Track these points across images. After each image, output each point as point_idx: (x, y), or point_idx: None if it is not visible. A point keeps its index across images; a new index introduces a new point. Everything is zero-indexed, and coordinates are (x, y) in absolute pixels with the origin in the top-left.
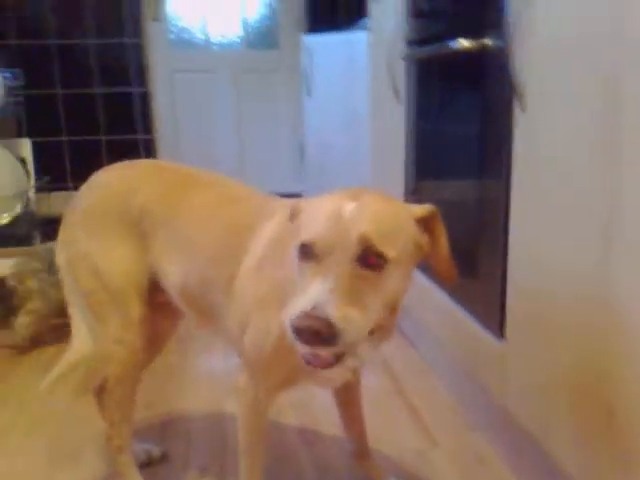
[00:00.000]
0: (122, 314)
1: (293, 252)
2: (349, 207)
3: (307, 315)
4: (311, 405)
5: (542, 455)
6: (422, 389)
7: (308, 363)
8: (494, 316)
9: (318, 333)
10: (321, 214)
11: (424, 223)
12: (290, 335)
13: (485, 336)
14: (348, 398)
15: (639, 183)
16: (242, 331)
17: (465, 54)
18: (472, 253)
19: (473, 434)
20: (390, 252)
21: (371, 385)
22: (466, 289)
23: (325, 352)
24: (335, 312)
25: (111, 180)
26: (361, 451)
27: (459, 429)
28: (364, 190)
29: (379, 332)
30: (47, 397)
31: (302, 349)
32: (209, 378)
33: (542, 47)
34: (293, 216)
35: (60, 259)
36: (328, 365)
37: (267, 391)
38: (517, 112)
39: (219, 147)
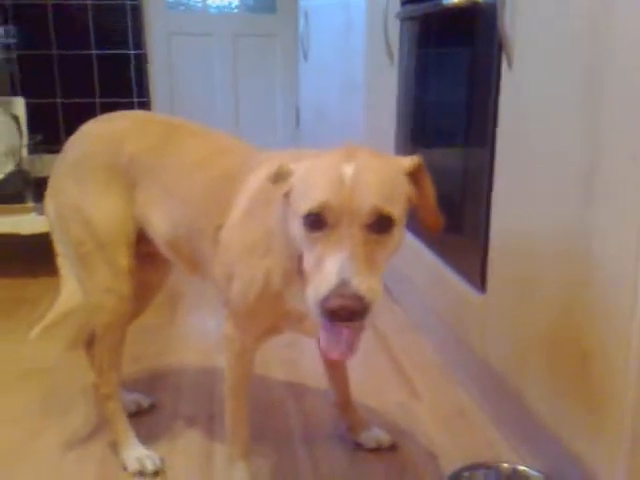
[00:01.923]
0: (111, 263)
1: (281, 210)
2: (349, 169)
3: (339, 294)
4: (299, 361)
5: (520, 405)
6: (406, 344)
7: (328, 351)
8: (476, 270)
9: (353, 311)
10: (320, 179)
11: (411, 175)
12: (316, 314)
13: (467, 290)
14: None
15: (618, 142)
16: (228, 280)
17: (457, 12)
18: (458, 211)
19: (455, 387)
20: (395, 213)
21: None
22: (450, 245)
23: (355, 327)
24: (362, 285)
25: (100, 131)
26: (344, 402)
27: (441, 382)
28: (355, 147)
29: None
30: (39, 350)
31: (325, 333)
32: (198, 333)
33: (530, 3)
34: (279, 177)
35: (49, 209)
36: (350, 351)
37: (253, 339)
38: (504, 69)
39: (215, 110)
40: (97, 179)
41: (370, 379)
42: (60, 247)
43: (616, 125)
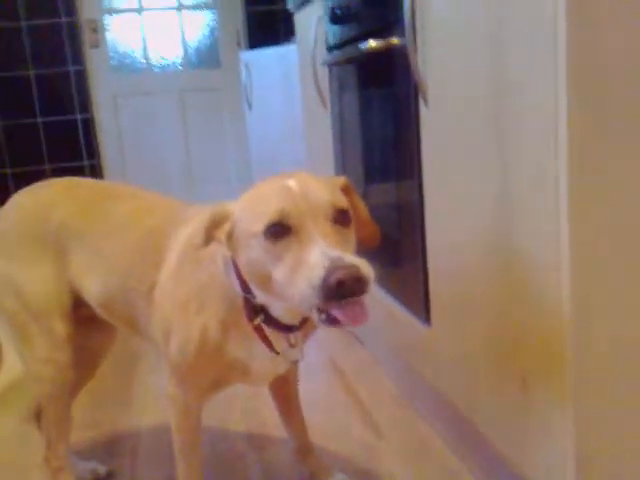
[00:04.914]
0: (47, 333)
1: (220, 258)
2: (292, 182)
3: (339, 267)
4: (261, 411)
5: (475, 433)
6: (368, 383)
7: (340, 321)
8: (420, 303)
9: (358, 278)
10: (268, 197)
11: (343, 191)
12: (317, 298)
13: (414, 322)
14: (285, 394)
15: (524, 162)
16: (166, 338)
17: (376, 55)
18: (397, 246)
19: (417, 420)
20: (349, 209)
21: (318, 382)
22: (394, 279)
23: (363, 301)
24: (354, 260)
25: (26, 201)
26: (303, 447)
27: (404, 419)
28: (285, 173)
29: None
30: None
31: (332, 310)
32: (156, 396)
33: (438, 42)
34: (218, 221)
35: None
36: (364, 316)
37: (197, 395)
38: (422, 107)
39: (167, 168)
40: (26, 249)
41: (332, 421)
42: None
43: (521, 148)
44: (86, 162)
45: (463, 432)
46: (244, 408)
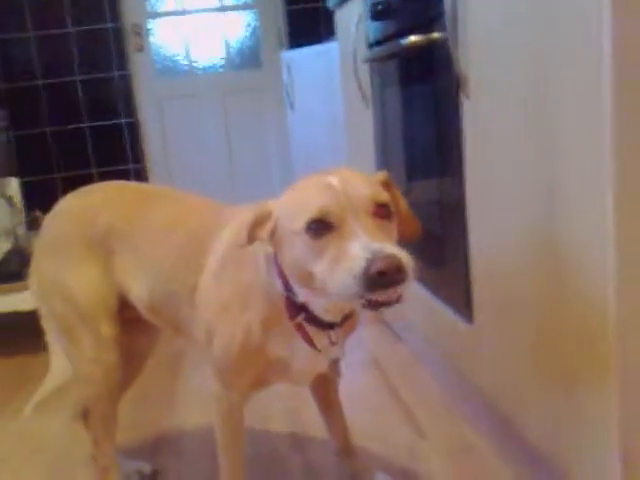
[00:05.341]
0: (94, 334)
1: (263, 255)
2: (333, 179)
3: (379, 258)
4: (303, 411)
5: (518, 434)
6: (410, 381)
7: (376, 304)
8: (462, 301)
9: (399, 269)
10: (309, 194)
11: (383, 186)
12: (358, 287)
13: (456, 321)
14: (326, 393)
15: (574, 154)
16: (209, 339)
17: (417, 50)
18: (439, 244)
19: (459, 420)
20: (389, 203)
21: (360, 381)
22: (436, 278)
23: (401, 291)
24: (394, 250)
25: (73, 205)
26: (345, 448)
27: (447, 419)
28: (326, 170)
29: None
30: (45, 426)
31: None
32: (200, 395)
33: (478, 35)
34: (260, 220)
35: (33, 288)
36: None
37: (239, 394)
38: (464, 101)
39: (210, 169)
40: (73, 253)
41: (374, 421)
42: (48, 324)
43: (569, 139)
44: (131, 165)
45: (506, 433)
46: (286, 408)
